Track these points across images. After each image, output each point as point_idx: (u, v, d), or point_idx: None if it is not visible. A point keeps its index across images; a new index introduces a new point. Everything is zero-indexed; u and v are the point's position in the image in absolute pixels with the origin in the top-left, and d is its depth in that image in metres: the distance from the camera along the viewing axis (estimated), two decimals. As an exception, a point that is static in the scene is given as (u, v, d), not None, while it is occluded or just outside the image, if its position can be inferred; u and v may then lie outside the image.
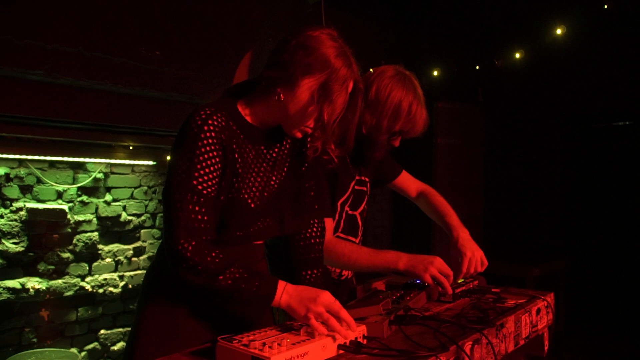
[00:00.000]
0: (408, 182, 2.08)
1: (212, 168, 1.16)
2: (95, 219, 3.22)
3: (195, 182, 1.13)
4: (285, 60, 1.19)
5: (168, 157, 3.29)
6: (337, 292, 1.73)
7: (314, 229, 1.46)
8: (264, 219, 1.28)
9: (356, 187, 1.80)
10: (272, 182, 1.31)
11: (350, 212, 1.79)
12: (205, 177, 1.14)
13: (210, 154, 1.15)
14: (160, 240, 1.20)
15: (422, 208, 2.07)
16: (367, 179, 1.87)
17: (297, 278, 1.43)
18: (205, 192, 1.14)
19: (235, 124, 1.23)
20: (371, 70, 1.73)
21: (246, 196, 1.22)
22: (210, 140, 1.15)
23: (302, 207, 1.39)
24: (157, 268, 1.33)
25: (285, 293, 1.13)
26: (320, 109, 1.20)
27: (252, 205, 1.23)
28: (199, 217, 1.13)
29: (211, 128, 1.16)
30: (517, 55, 4.24)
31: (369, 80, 1.70)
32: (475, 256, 1.67)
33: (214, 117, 1.17)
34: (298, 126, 1.24)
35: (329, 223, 1.65)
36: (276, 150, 1.34)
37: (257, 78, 1.27)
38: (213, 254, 1.11)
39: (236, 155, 1.21)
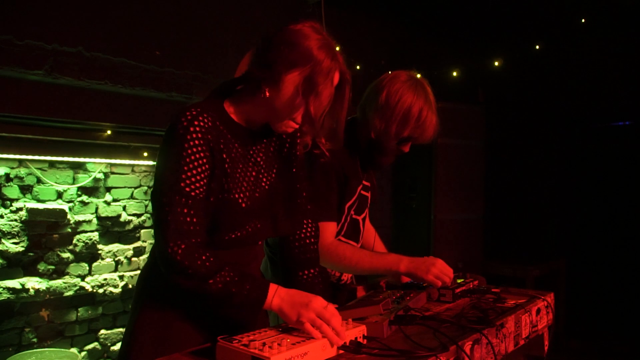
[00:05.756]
0: None
1: (200, 169, 1.14)
2: (95, 219, 3.21)
3: (183, 185, 1.12)
4: (268, 57, 1.19)
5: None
6: (336, 295, 1.73)
7: (308, 229, 1.46)
8: (257, 220, 1.27)
9: (362, 192, 1.80)
10: (263, 183, 1.31)
11: (354, 216, 1.79)
12: (193, 179, 1.13)
13: (198, 155, 1.14)
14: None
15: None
16: (369, 185, 1.87)
17: (294, 278, 1.43)
18: (193, 193, 1.12)
19: (222, 124, 1.22)
20: (389, 72, 1.73)
21: (237, 196, 1.21)
22: (197, 142, 1.14)
23: (294, 208, 1.38)
24: (150, 269, 1.32)
25: (277, 296, 1.12)
26: (307, 103, 1.18)
27: (243, 205, 1.22)
28: (188, 219, 1.11)
29: (197, 129, 1.14)
30: (517, 55, 4.24)
31: (380, 85, 1.69)
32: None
33: (200, 118, 1.15)
34: (284, 121, 1.23)
35: (333, 227, 1.64)
36: (264, 150, 1.33)
37: (243, 76, 1.26)
38: (203, 257, 1.10)
39: (224, 155, 1.20)
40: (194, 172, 1.13)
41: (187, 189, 1.12)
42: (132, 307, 1.31)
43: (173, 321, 1.23)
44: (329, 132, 1.32)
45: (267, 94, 1.19)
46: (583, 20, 4.00)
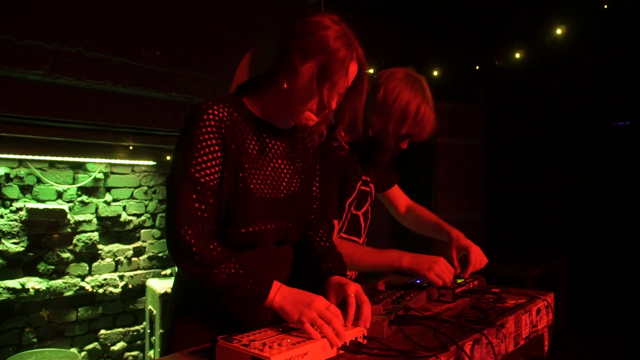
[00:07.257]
0: (399, 196, 2.10)
1: (211, 156, 1.16)
2: (95, 219, 3.21)
3: (193, 170, 1.14)
4: (285, 47, 1.20)
5: (168, 157, 3.29)
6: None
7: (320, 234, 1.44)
8: (273, 218, 1.26)
9: (361, 187, 1.80)
10: (284, 182, 1.31)
11: (354, 212, 1.79)
12: (204, 166, 1.15)
13: (209, 142, 1.16)
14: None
15: (410, 222, 2.07)
16: (369, 179, 1.86)
17: (311, 245, 1.40)
18: (203, 180, 1.14)
19: (241, 116, 1.24)
20: (386, 70, 1.73)
21: (252, 185, 1.22)
22: (209, 129, 1.16)
23: (308, 213, 1.40)
24: (181, 274, 1.32)
25: (279, 294, 1.12)
26: (321, 92, 1.19)
27: (258, 195, 1.23)
28: (196, 205, 1.13)
29: (210, 117, 1.17)
30: (517, 55, 4.24)
31: (377, 82, 1.69)
32: (479, 251, 1.71)
33: (215, 107, 1.18)
34: (302, 111, 1.23)
35: (334, 224, 1.64)
36: (284, 145, 1.34)
37: (262, 73, 1.28)
38: (211, 247, 1.12)
39: (240, 145, 1.21)
40: (205, 158, 1.15)
41: (197, 175, 1.14)
42: (168, 310, 1.33)
43: (205, 330, 1.23)
44: (348, 124, 1.33)
45: (285, 85, 1.20)
46: (582, 21, 4.00)
